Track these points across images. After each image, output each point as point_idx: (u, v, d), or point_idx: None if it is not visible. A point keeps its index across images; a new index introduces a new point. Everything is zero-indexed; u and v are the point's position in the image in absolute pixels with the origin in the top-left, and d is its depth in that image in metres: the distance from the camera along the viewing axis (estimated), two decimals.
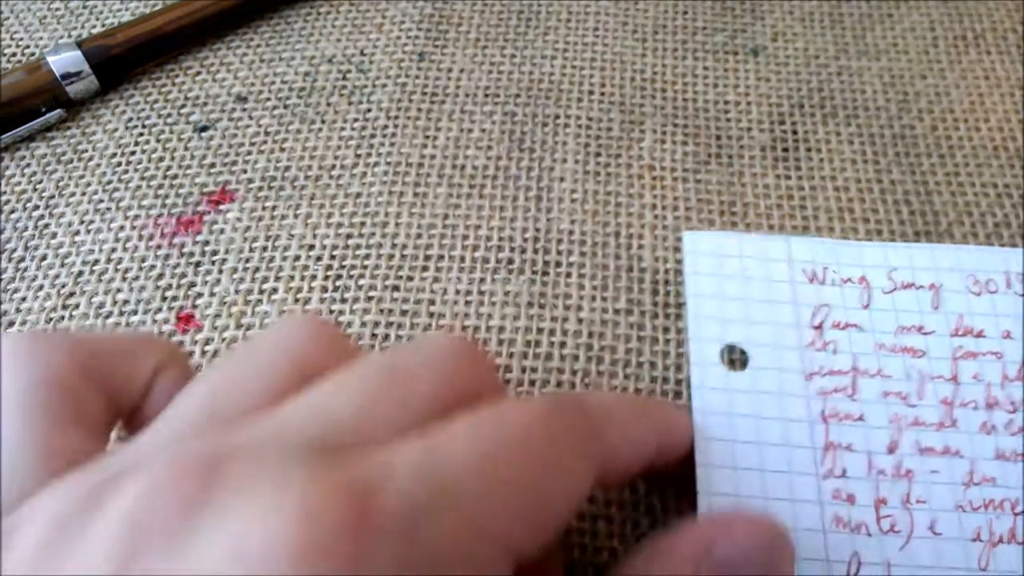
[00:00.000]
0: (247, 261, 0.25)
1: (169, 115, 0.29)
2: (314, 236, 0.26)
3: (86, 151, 0.28)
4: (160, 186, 0.27)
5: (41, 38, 0.31)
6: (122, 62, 0.29)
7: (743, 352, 0.21)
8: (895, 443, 0.20)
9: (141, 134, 0.28)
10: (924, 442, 0.20)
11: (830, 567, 0.18)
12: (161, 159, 0.28)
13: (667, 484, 0.20)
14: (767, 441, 0.19)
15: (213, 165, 0.28)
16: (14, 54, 0.31)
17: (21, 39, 0.31)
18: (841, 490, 0.19)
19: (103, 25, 0.31)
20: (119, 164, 0.28)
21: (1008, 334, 0.22)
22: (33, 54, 0.31)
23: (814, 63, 0.31)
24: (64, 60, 0.28)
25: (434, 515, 0.11)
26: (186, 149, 0.28)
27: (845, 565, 0.18)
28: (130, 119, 0.29)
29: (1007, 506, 0.19)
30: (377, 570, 0.11)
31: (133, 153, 0.28)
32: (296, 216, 0.26)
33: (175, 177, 0.27)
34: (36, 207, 0.27)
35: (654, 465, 0.17)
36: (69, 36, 0.31)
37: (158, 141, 0.28)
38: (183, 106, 0.29)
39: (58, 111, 0.28)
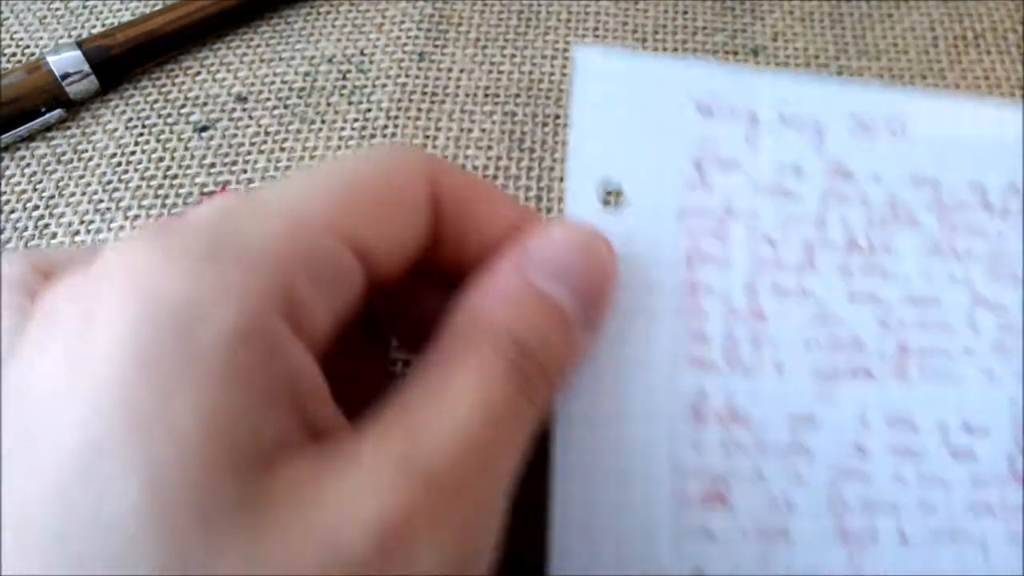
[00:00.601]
0: None
1: (169, 115, 0.29)
2: None
3: (86, 151, 0.28)
4: (160, 186, 0.27)
5: (41, 38, 0.31)
6: (122, 62, 0.29)
7: (619, 189, 0.20)
8: (754, 284, 0.20)
9: (141, 134, 0.28)
10: (782, 283, 0.20)
11: (676, 399, 0.18)
12: (161, 159, 0.28)
13: None
14: (632, 282, 0.19)
15: (213, 165, 0.28)
16: (14, 54, 0.31)
17: (21, 39, 0.31)
18: (697, 329, 0.19)
19: (103, 25, 0.31)
20: (119, 164, 0.28)
21: (878, 177, 0.21)
22: (33, 54, 0.31)
23: (814, 63, 0.31)
24: (64, 60, 0.28)
25: None
26: (186, 149, 0.28)
27: (692, 399, 0.18)
28: (130, 119, 0.29)
29: (851, 344, 0.20)
30: None
31: (133, 153, 0.28)
32: None
33: (175, 177, 0.27)
34: (36, 207, 0.27)
35: None
36: (69, 36, 0.31)
37: (158, 141, 0.28)
38: (183, 106, 0.29)
39: (58, 111, 0.28)
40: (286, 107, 0.29)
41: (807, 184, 0.21)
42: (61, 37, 0.31)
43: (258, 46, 0.31)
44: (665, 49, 0.31)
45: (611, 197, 0.20)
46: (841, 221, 0.21)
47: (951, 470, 0.19)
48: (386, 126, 0.29)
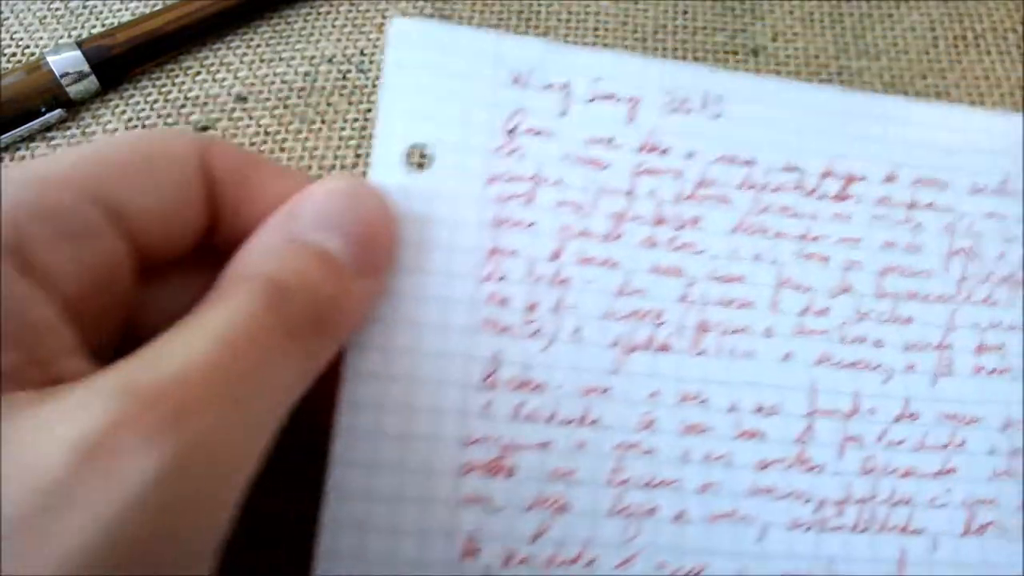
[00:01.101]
0: None
1: (169, 115, 0.29)
2: None
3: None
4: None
5: (41, 38, 0.31)
6: (122, 62, 0.29)
7: (427, 153, 0.20)
8: (559, 251, 0.20)
9: None
10: (587, 252, 0.20)
11: (470, 365, 0.18)
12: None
13: None
14: (433, 244, 0.19)
15: None
16: (14, 54, 0.31)
17: (21, 39, 0.31)
18: (496, 293, 0.19)
19: (103, 25, 0.31)
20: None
21: (691, 154, 0.21)
22: (33, 54, 0.31)
23: (814, 63, 0.31)
24: (64, 60, 0.28)
25: None
26: None
27: (485, 364, 0.18)
28: (130, 119, 0.29)
29: (650, 317, 0.19)
30: None
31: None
32: None
33: None
34: None
35: None
36: (69, 36, 0.31)
37: None
38: (183, 106, 0.29)
39: (58, 111, 0.28)
40: (286, 107, 0.29)
41: (619, 156, 0.21)
42: (61, 37, 0.31)
43: (258, 46, 0.31)
44: (665, 50, 0.31)
45: (418, 159, 0.19)
46: (651, 194, 0.20)
47: (738, 451, 0.19)
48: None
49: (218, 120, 0.29)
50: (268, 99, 0.29)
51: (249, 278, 0.14)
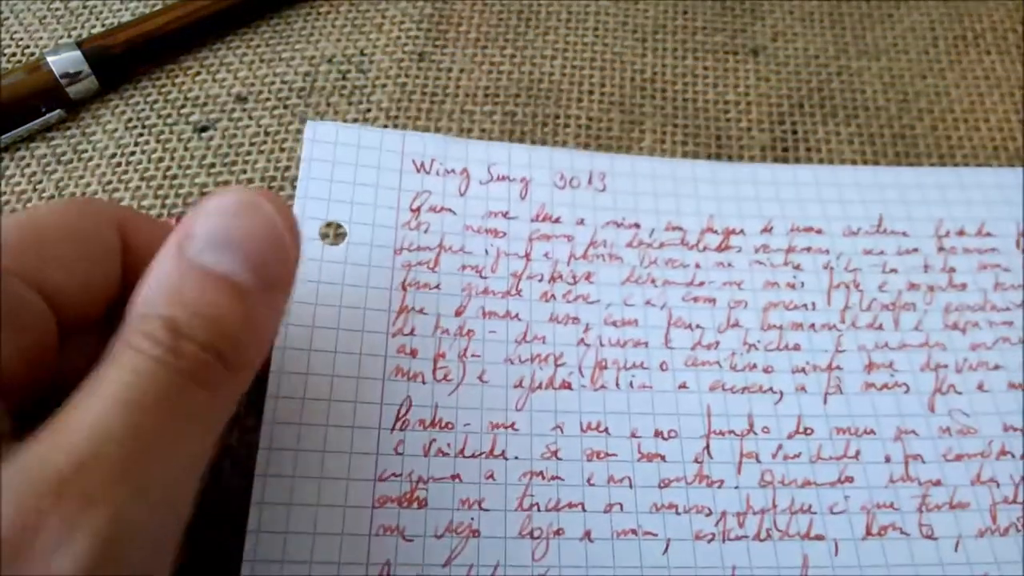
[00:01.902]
0: None
1: (169, 115, 0.29)
2: None
3: (86, 151, 0.28)
4: (160, 187, 0.27)
5: (41, 38, 0.31)
6: (122, 62, 0.29)
7: (342, 229, 0.22)
8: (463, 307, 0.22)
9: (141, 134, 0.28)
10: (489, 307, 0.22)
11: (383, 410, 0.20)
12: (161, 159, 0.28)
13: None
14: (347, 304, 0.21)
15: (213, 165, 0.28)
16: (14, 54, 0.30)
17: (21, 39, 0.31)
18: (406, 345, 0.21)
19: (103, 25, 0.31)
20: (119, 164, 0.28)
21: (582, 221, 0.24)
22: (33, 54, 0.31)
23: (814, 63, 0.31)
24: (64, 60, 0.28)
25: None
26: (186, 149, 0.28)
27: (397, 408, 0.20)
28: (130, 119, 0.29)
29: (551, 360, 0.22)
30: None
31: (133, 154, 0.28)
32: None
33: (175, 178, 0.27)
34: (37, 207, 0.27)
35: None
36: (69, 36, 0.31)
37: (158, 141, 0.28)
38: (183, 106, 0.29)
39: (58, 111, 0.28)
40: (286, 107, 0.29)
41: (515, 226, 0.24)
42: (61, 37, 0.31)
43: (258, 46, 0.31)
44: (665, 50, 0.31)
45: (334, 235, 0.22)
46: (546, 256, 0.23)
47: (640, 472, 0.21)
48: (386, 126, 0.29)
49: (218, 120, 0.29)
50: (268, 99, 0.29)
51: (143, 322, 0.13)
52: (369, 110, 0.29)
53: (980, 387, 0.22)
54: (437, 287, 0.22)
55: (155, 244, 0.15)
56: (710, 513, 0.20)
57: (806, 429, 0.22)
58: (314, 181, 0.22)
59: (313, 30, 0.31)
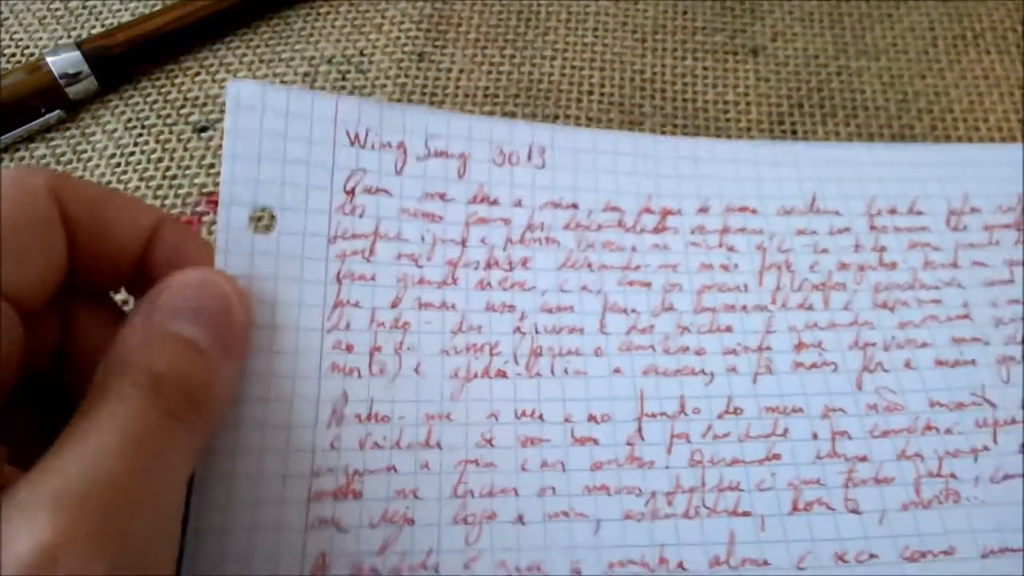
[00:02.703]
0: None
1: (168, 116, 0.29)
2: None
3: (85, 151, 0.28)
4: (159, 187, 0.27)
5: (41, 38, 0.31)
6: (122, 63, 0.29)
7: (272, 215, 0.21)
8: (399, 299, 0.22)
9: (140, 135, 0.28)
10: (425, 298, 0.22)
11: (320, 407, 0.20)
12: (160, 160, 0.28)
13: None
14: (281, 301, 0.20)
15: (212, 166, 0.28)
16: (14, 54, 0.31)
17: (21, 39, 0.31)
18: (342, 340, 0.21)
19: (103, 25, 0.31)
20: (118, 165, 0.28)
21: (519, 202, 0.23)
22: (33, 54, 0.31)
23: (813, 63, 0.31)
24: (64, 60, 0.28)
25: None
26: (185, 150, 0.28)
27: (333, 404, 0.20)
28: (129, 120, 0.29)
29: (486, 349, 0.22)
30: None
31: (132, 154, 0.28)
32: None
33: (174, 178, 0.27)
34: None
35: None
36: (69, 36, 0.31)
37: (157, 142, 0.28)
38: (182, 107, 0.29)
39: (57, 112, 0.28)
40: None
41: (452, 209, 0.23)
42: (61, 37, 0.31)
43: (257, 47, 0.31)
44: (665, 50, 0.31)
45: (263, 222, 0.21)
46: (482, 242, 0.23)
47: (573, 456, 0.21)
48: None
49: (217, 121, 0.29)
50: None
51: (129, 372, 0.15)
52: None
53: (907, 364, 0.23)
54: (372, 278, 0.22)
55: (97, 208, 0.17)
56: (640, 493, 0.21)
57: (736, 409, 0.22)
58: (241, 161, 0.21)
59: (313, 31, 0.31)
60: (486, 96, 0.30)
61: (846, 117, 0.29)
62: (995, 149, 0.27)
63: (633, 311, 0.23)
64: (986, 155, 0.26)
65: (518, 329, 0.22)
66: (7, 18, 0.31)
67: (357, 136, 0.23)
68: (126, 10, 0.32)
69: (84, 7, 0.32)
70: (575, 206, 0.24)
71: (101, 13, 0.32)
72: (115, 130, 0.29)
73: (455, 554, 0.19)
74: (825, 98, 0.30)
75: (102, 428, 0.14)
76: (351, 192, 0.22)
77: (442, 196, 0.23)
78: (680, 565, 0.20)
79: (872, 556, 0.20)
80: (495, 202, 0.24)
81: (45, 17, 0.32)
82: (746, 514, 0.20)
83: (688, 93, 0.30)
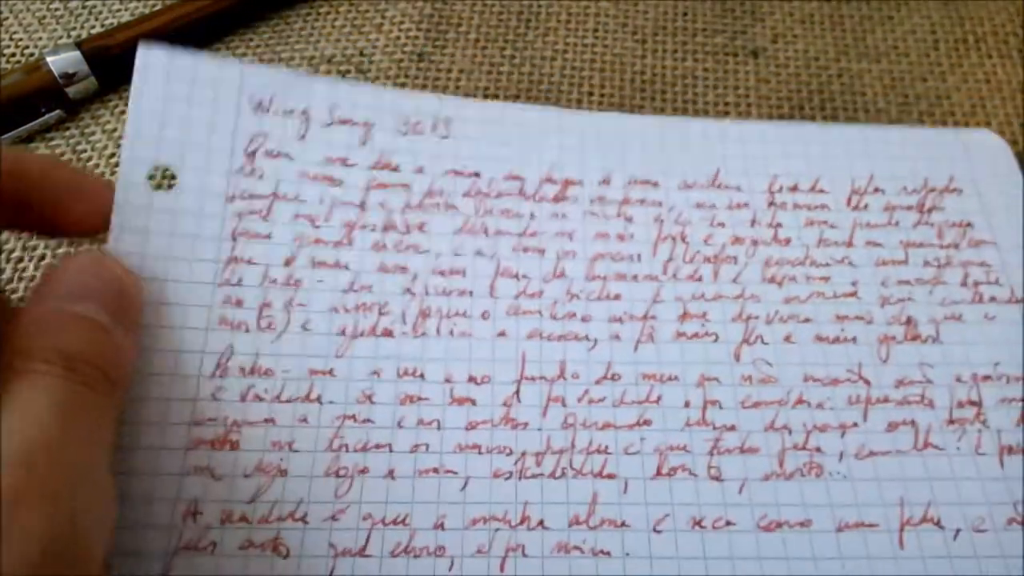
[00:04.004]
0: None
1: None
2: None
3: (85, 151, 0.28)
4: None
5: (40, 38, 0.31)
6: (121, 62, 0.29)
7: (173, 175, 0.22)
8: (293, 258, 0.22)
9: None
10: (319, 257, 0.23)
11: (204, 358, 0.21)
12: None
13: None
14: (175, 255, 0.21)
15: None
16: (13, 54, 0.31)
17: (20, 39, 0.31)
18: (232, 296, 0.22)
19: (102, 25, 0.31)
20: (118, 165, 0.28)
21: (421, 169, 0.24)
22: (32, 54, 0.31)
23: (814, 65, 0.31)
24: (63, 60, 0.28)
25: None
26: None
27: (218, 356, 0.21)
28: None
29: (375, 308, 0.22)
30: None
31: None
32: None
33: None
34: None
35: None
36: (68, 36, 0.31)
37: None
38: None
39: (57, 111, 0.28)
40: None
41: (352, 173, 0.24)
42: (60, 37, 0.31)
43: (257, 47, 0.31)
44: (665, 51, 0.31)
45: (163, 180, 0.22)
46: (381, 206, 0.23)
47: (449, 416, 0.21)
48: None
49: None
50: None
51: (41, 351, 0.16)
52: None
53: (787, 339, 0.23)
54: (268, 236, 0.22)
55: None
56: (511, 453, 0.21)
57: (614, 375, 0.22)
58: (145, 119, 0.22)
59: (312, 30, 0.31)
60: (486, 96, 0.29)
61: (847, 120, 0.29)
62: (904, 131, 0.27)
63: (524, 276, 0.23)
64: (896, 136, 0.27)
65: (408, 290, 0.23)
66: (7, 18, 0.31)
67: (261, 102, 0.23)
68: (126, 10, 0.32)
69: (84, 7, 0.32)
70: (477, 175, 0.24)
71: (101, 13, 0.32)
72: (115, 130, 0.29)
73: (323, 505, 0.20)
74: (826, 100, 0.30)
75: (32, 402, 0.15)
76: (252, 155, 0.23)
77: (343, 161, 0.24)
78: (541, 523, 0.20)
79: (729, 523, 0.21)
80: (396, 168, 0.24)
81: (45, 17, 0.32)
82: (611, 476, 0.21)
83: (688, 95, 0.30)
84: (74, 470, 0.15)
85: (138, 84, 0.22)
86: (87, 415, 0.16)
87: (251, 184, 0.23)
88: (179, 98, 0.22)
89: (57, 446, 0.15)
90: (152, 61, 0.22)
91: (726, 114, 0.29)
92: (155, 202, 0.21)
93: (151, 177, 0.22)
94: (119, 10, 0.32)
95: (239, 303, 0.22)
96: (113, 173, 0.28)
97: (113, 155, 0.28)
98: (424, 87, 0.30)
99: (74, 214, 0.20)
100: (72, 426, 0.16)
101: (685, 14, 0.32)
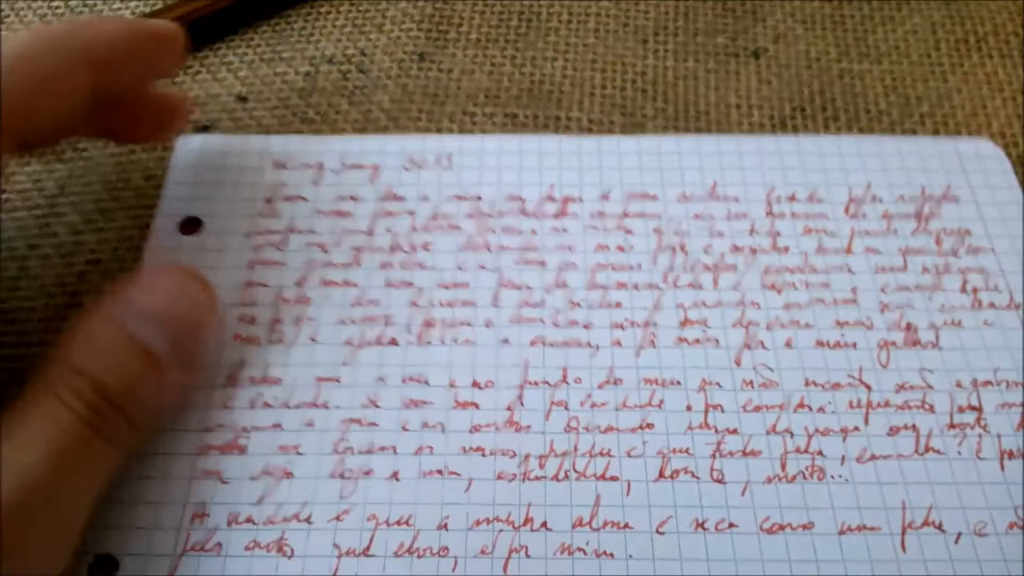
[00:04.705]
0: None
1: None
2: None
3: (86, 149, 0.28)
4: (160, 185, 0.27)
5: None
6: None
7: (200, 220, 0.25)
8: (304, 279, 0.24)
9: None
10: (329, 277, 0.24)
11: (217, 368, 0.22)
12: (162, 159, 0.28)
13: None
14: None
15: None
16: None
17: None
18: (247, 314, 0.23)
19: None
20: (118, 164, 0.28)
21: (425, 196, 0.26)
22: None
23: (816, 66, 0.31)
24: None
25: None
26: None
27: (230, 369, 0.22)
28: None
29: (381, 320, 0.23)
30: None
31: (133, 152, 0.28)
32: None
33: None
34: (38, 205, 0.27)
35: None
36: None
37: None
38: None
39: None
40: (286, 107, 0.29)
41: (362, 206, 0.26)
42: None
43: (258, 46, 0.31)
44: (666, 52, 0.31)
45: (191, 227, 0.25)
46: (388, 231, 0.25)
47: (453, 419, 0.22)
48: (387, 127, 0.29)
49: (218, 120, 0.29)
50: (268, 99, 0.29)
51: (71, 377, 0.16)
52: (370, 110, 0.29)
53: (788, 344, 0.23)
54: (280, 262, 0.24)
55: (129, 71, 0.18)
56: (514, 455, 0.22)
57: (616, 380, 0.23)
58: (180, 186, 0.25)
59: (314, 30, 0.31)
60: (487, 97, 0.29)
61: (848, 120, 0.29)
62: (900, 141, 0.28)
63: (527, 287, 0.24)
64: (892, 147, 0.27)
65: (414, 303, 0.24)
66: (9, 16, 0.31)
67: (281, 161, 0.26)
68: (126, 10, 0.32)
69: (85, 6, 0.32)
70: (479, 198, 0.26)
71: (101, 12, 0.32)
72: None
73: (328, 506, 0.21)
74: (828, 101, 0.30)
75: (35, 438, 0.15)
76: (271, 200, 0.25)
77: (353, 197, 0.26)
78: (544, 525, 0.21)
79: (731, 525, 0.21)
80: (401, 198, 0.26)
81: (47, 16, 0.32)
82: (614, 479, 0.21)
83: (690, 95, 0.30)
84: (48, 525, 0.15)
85: (176, 161, 0.26)
86: (86, 467, 0.16)
87: (269, 223, 0.25)
88: (210, 167, 0.25)
89: (41, 492, 0.15)
90: (190, 145, 0.26)
91: (727, 114, 0.29)
92: (184, 244, 0.24)
93: (180, 225, 0.25)
94: (119, 10, 0.32)
95: (252, 320, 0.23)
96: (115, 173, 0.28)
97: (114, 154, 0.28)
98: (425, 87, 0.30)
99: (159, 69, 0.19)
100: (64, 477, 0.15)
101: (686, 14, 0.32)
